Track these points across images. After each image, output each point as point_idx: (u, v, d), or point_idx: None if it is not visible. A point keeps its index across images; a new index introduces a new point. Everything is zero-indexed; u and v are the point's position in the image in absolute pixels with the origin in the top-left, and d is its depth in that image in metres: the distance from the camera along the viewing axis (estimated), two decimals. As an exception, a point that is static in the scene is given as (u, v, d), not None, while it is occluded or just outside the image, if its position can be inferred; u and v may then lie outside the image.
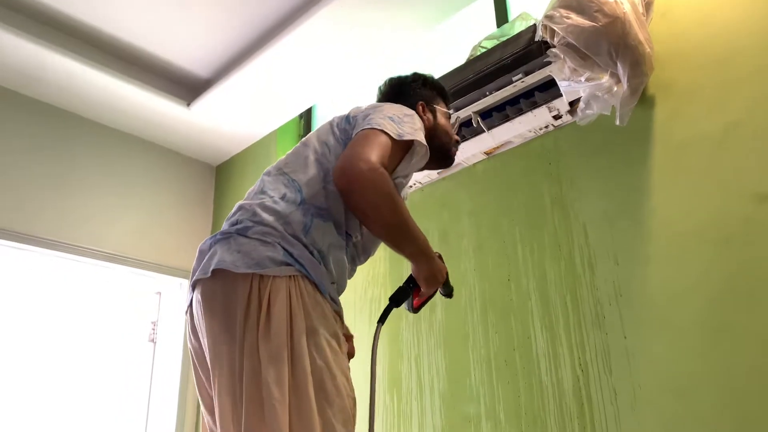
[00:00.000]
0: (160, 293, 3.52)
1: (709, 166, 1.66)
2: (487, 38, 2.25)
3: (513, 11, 2.42)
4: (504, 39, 2.16)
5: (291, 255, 1.12)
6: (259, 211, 1.18)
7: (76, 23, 2.70)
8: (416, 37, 2.64)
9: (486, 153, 2.27)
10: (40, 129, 3.02)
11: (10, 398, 2.84)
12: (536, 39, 1.89)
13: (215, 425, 1.08)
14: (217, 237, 1.19)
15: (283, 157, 1.36)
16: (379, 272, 2.49)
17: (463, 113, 2.11)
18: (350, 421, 1.06)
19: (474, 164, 2.31)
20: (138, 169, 3.38)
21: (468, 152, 2.25)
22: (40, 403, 2.92)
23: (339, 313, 1.19)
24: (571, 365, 1.79)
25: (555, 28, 1.80)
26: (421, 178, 2.42)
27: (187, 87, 3.17)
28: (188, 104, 3.15)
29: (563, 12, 1.80)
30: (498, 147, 2.23)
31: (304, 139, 1.39)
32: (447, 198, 2.37)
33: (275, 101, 3.10)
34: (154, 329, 3.44)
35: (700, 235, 1.63)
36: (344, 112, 1.41)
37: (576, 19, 1.76)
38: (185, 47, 2.89)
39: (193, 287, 1.18)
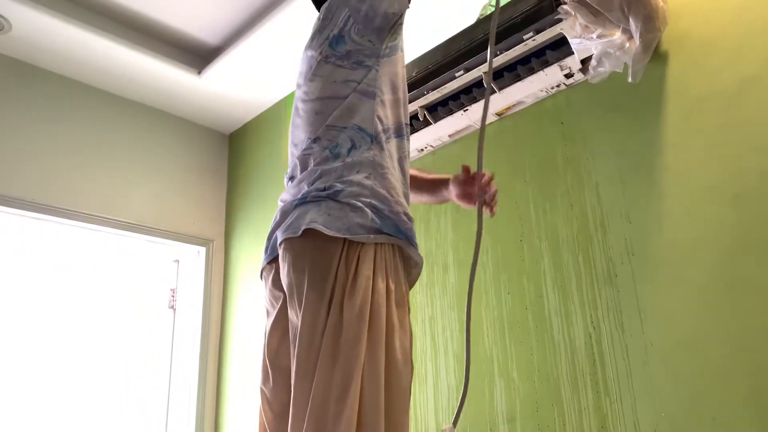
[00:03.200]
0: (178, 261, 3.58)
1: (725, 122, 1.64)
2: (497, -4, 2.20)
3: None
4: (514, -3, 2.12)
5: (380, 218, 1.17)
6: (345, 173, 1.20)
7: (84, -7, 2.69)
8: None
9: (497, 114, 2.25)
10: (54, 101, 3.05)
11: (30, 370, 2.93)
12: (547, -4, 1.86)
13: (278, 375, 1.18)
14: (304, 198, 1.20)
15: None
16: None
17: (474, 74, 2.09)
18: (407, 388, 1.13)
19: (486, 125, 2.29)
20: (152, 138, 3.41)
21: (479, 113, 2.24)
22: (61, 374, 3.02)
23: (418, 265, 1.25)
24: (583, 323, 1.80)
25: (566, -16, 1.76)
26: (432, 141, 2.41)
27: (198, 55, 3.16)
28: (199, 72, 3.15)
29: (574, -34, 1.76)
30: (509, 108, 2.21)
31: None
32: (459, 161, 2.34)
33: (285, 67, 3.08)
34: (173, 296, 3.51)
35: (714, 190, 1.62)
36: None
37: (587, -27, 1.73)
38: (194, 14, 2.88)
39: (280, 244, 1.21)
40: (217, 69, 3.10)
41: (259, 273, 1.33)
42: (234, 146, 3.73)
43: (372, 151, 1.22)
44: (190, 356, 3.30)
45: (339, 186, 1.18)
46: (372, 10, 1.26)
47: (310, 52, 1.34)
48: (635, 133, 1.83)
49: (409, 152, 1.35)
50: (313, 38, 1.35)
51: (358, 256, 1.13)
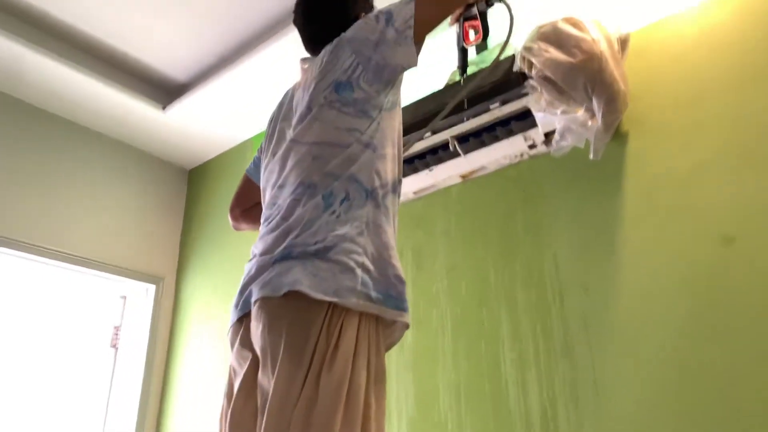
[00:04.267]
0: (125, 297, 3.45)
1: (679, 204, 1.71)
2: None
3: (493, 38, 2.44)
4: (483, 66, 2.19)
5: (371, 281, 1.11)
6: (337, 227, 1.14)
7: (53, 21, 2.63)
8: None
9: (462, 176, 2.29)
10: (9, 127, 2.94)
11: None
12: (515, 69, 1.92)
13: None
14: (288, 253, 1.13)
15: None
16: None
17: (441, 136, 2.13)
18: None
19: (450, 186, 2.33)
20: (109, 169, 3.32)
21: (444, 174, 2.27)
22: (-5, 409, 2.84)
23: (403, 328, 1.20)
24: (539, 395, 1.81)
25: (533, 61, 1.83)
26: (396, 197, 2.43)
27: (164, 90, 3.12)
28: (164, 107, 3.10)
29: (542, 45, 1.83)
30: (474, 171, 2.25)
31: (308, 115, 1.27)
32: (422, 217, 2.39)
33: (253, 109, 3.07)
34: (117, 334, 3.37)
35: (669, 271, 1.68)
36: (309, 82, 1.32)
37: (554, 53, 1.80)
38: (164, 50, 2.85)
39: (255, 302, 1.14)
40: (182, 105, 3.07)
41: (228, 329, 1.24)
42: (193, 182, 3.67)
43: (367, 207, 1.17)
44: (128, 400, 3.15)
45: (330, 241, 1.11)
46: (383, 60, 1.22)
47: (309, 94, 1.28)
48: (595, 207, 1.89)
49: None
50: (314, 79, 1.28)
51: (341, 324, 1.07)
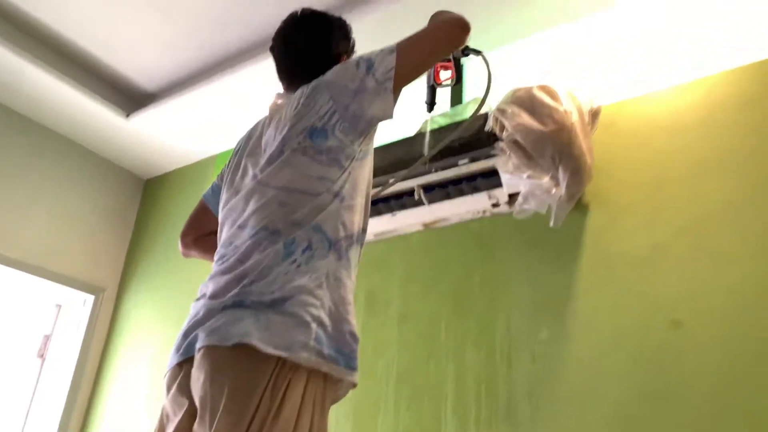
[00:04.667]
0: (60, 306, 3.29)
1: (633, 282, 1.74)
2: (441, 115, 2.29)
3: (468, 93, 2.48)
4: (456, 119, 2.20)
5: (324, 336, 1.07)
6: (295, 278, 1.09)
7: (22, 15, 2.54)
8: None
9: (424, 225, 2.28)
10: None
11: None
12: (486, 129, 1.94)
13: None
14: (241, 301, 1.08)
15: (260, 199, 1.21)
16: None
17: (407, 184, 2.13)
18: None
19: (411, 233, 2.32)
20: (62, 171, 3.19)
21: (407, 221, 2.27)
22: None
23: (350, 386, 1.15)
24: (476, 459, 1.79)
25: (505, 123, 1.86)
26: (355, 237, 2.40)
27: (130, 97, 3.04)
28: (127, 115, 3.01)
29: (515, 109, 1.86)
30: (436, 221, 2.25)
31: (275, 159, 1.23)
32: (380, 261, 2.36)
33: (218, 127, 3.02)
34: (46, 344, 3.20)
35: (618, 346, 1.69)
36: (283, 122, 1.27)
37: (526, 118, 1.83)
38: (135, 58, 2.78)
39: (200, 349, 1.08)
40: (147, 115, 2.99)
41: (166, 371, 1.17)
42: (148, 193, 3.56)
43: (329, 258, 1.14)
44: (50, 414, 2.98)
45: (287, 292, 1.07)
46: (360, 111, 1.20)
47: (281, 135, 1.23)
48: (550, 273, 1.90)
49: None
50: (288, 120, 1.24)
51: (288, 383, 1.02)
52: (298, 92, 1.28)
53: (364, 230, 1.28)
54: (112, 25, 2.57)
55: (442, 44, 1.28)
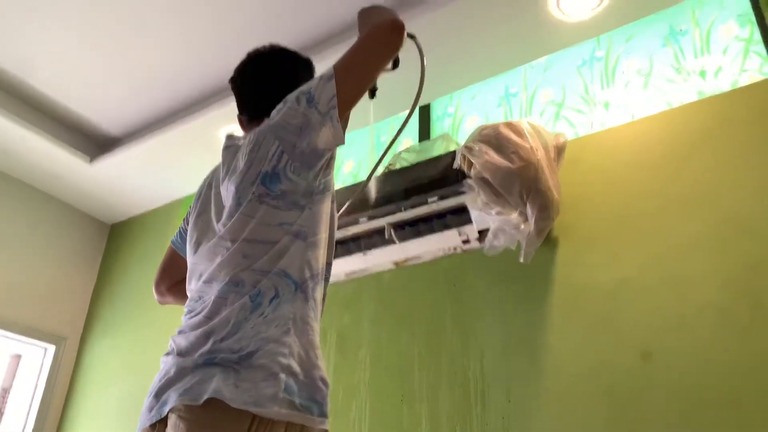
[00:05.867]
0: (19, 356, 3.16)
1: (602, 316, 1.74)
2: (408, 150, 2.30)
3: (435, 128, 2.51)
4: (424, 155, 2.22)
5: (295, 384, 1.04)
6: (263, 329, 1.06)
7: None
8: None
9: (395, 263, 2.27)
10: None
11: None
12: (454, 166, 1.95)
13: None
14: (212, 359, 1.04)
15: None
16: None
17: (378, 223, 2.12)
18: None
19: (382, 271, 2.30)
20: (22, 217, 3.10)
21: (378, 259, 2.25)
22: None
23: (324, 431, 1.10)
24: (453, 503, 1.74)
25: (473, 161, 1.87)
26: (326, 277, 2.37)
27: (94, 142, 2.99)
28: (91, 160, 2.96)
29: (482, 147, 1.88)
30: (407, 259, 2.24)
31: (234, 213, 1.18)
32: (351, 300, 2.33)
33: (185, 171, 2.99)
34: (4, 397, 3.05)
35: (589, 380, 1.68)
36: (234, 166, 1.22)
37: (493, 156, 1.85)
38: (99, 101, 2.75)
39: (172, 410, 1.03)
40: (111, 159, 2.94)
41: None
42: (114, 238, 3.48)
43: (296, 303, 1.11)
44: (7, 475, 2.82)
45: (254, 345, 1.04)
46: (309, 147, 1.14)
47: (235, 187, 1.18)
48: (522, 309, 1.90)
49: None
50: (240, 170, 1.19)
51: None
52: (246, 138, 1.23)
53: (329, 263, 1.24)
54: (76, 70, 2.55)
55: (381, 55, 1.19)
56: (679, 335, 1.61)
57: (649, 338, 1.65)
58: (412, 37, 1.30)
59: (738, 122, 1.78)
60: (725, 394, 1.49)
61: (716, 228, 1.68)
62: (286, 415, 1.01)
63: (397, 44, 1.20)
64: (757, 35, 1.88)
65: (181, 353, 1.10)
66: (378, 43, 1.19)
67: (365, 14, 1.34)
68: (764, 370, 1.47)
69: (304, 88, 1.18)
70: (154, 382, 1.13)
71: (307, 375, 1.07)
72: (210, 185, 1.35)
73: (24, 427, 2.92)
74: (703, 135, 1.82)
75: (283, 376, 1.03)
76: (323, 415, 1.07)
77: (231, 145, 1.29)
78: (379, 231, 2.16)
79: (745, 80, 1.84)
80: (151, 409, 1.09)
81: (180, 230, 1.43)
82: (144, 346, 2.84)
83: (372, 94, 1.29)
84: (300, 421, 1.03)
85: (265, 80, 1.35)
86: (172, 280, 1.43)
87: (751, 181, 1.68)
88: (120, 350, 2.98)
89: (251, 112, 1.34)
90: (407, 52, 1.28)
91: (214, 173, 1.37)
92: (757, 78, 1.82)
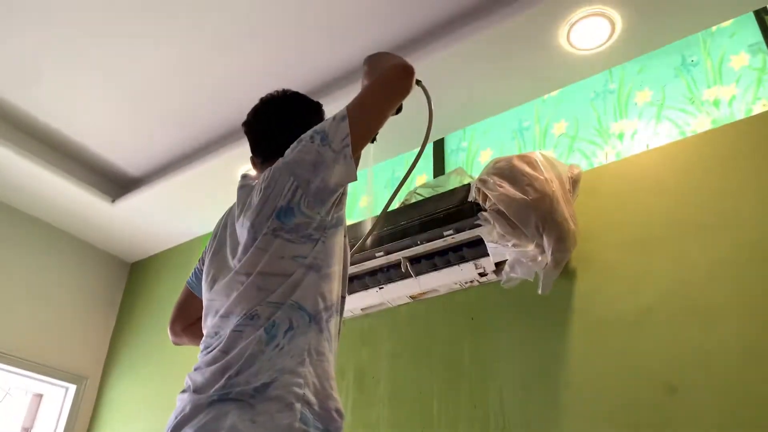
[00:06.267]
0: (41, 396, 3.17)
1: (624, 348, 1.71)
2: (423, 186, 2.32)
3: (450, 163, 2.53)
4: (439, 190, 2.23)
5: (311, 414, 1.05)
6: (278, 361, 1.07)
7: (2, 103, 2.59)
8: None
9: (411, 297, 2.26)
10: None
11: None
12: (469, 199, 1.96)
13: None
14: (227, 394, 1.05)
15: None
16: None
17: (394, 257, 2.13)
18: None
19: (399, 306, 2.30)
20: (44, 258, 3.16)
21: (394, 294, 2.24)
22: None
23: None
24: None
25: (488, 194, 1.88)
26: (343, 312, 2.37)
27: (115, 183, 3.07)
28: (113, 200, 3.03)
29: (497, 180, 1.89)
30: (424, 293, 2.23)
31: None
32: (368, 335, 2.32)
33: (204, 209, 3.03)
34: (25, 438, 3.06)
35: (612, 416, 1.64)
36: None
37: (508, 188, 1.85)
38: (118, 143, 2.83)
39: None
40: (133, 199, 3.01)
41: None
42: (134, 276, 3.52)
43: (310, 334, 1.12)
44: None
45: (268, 377, 1.05)
46: (323, 183, 1.18)
47: (250, 222, 1.21)
48: (541, 343, 1.87)
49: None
50: (255, 207, 1.22)
51: None
52: (261, 177, 1.27)
53: (343, 297, 1.26)
54: (96, 114, 2.63)
55: (393, 98, 1.25)
56: (705, 368, 1.57)
57: (674, 372, 1.61)
58: (418, 82, 1.35)
59: (753, 149, 1.77)
60: (752, 428, 1.45)
61: (737, 254, 1.65)
62: None
63: (407, 88, 1.25)
64: (770, 64, 1.88)
65: (196, 390, 1.10)
66: (389, 87, 1.24)
67: (374, 59, 1.39)
68: (794, 403, 1.43)
69: (318, 127, 1.22)
70: (169, 420, 1.13)
71: (321, 406, 1.07)
72: (225, 225, 1.38)
73: (44, 467, 2.92)
74: (718, 162, 1.81)
75: (298, 406, 1.04)
76: None
77: (245, 185, 1.33)
78: (395, 265, 2.17)
79: (759, 108, 1.84)
80: None
81: (195, 270, 1.46)
82: (164, 384, 2.84)
83: (372, 140, 1.34)
84: None
85: (278, 123, 1.39)
86: (187, 320, 1.45)
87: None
88: (141, 389, 2.99)
89: (265, 154, 1.38)
90: (414, 96, 1.32)
91: (229, 213, 1.41)
92: (772, 105, 1.82)
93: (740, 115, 1.86)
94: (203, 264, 1.41)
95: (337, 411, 1.10)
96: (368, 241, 2.09)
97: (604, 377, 1.70)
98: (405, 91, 1.26)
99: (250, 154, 1.41)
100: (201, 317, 1.39)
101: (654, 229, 1.83)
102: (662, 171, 1.91)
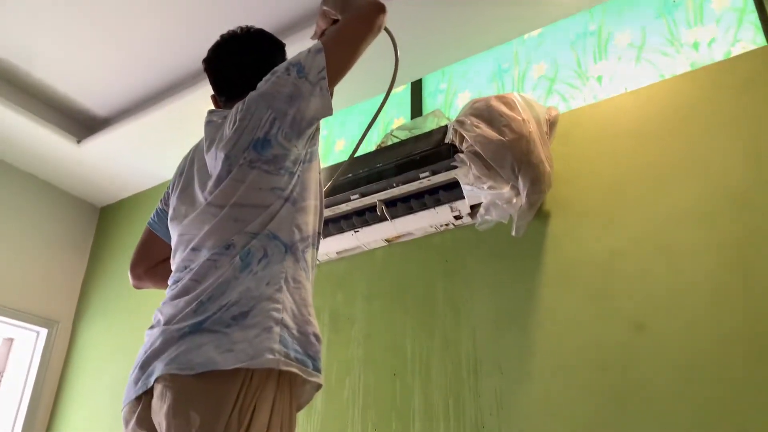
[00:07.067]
0: (11, 340, 3.14)
1: (595, 289, 1.73)
2: (400, 128, 2.28)
3: (428, 105, 2.48)
4: (416, 132, 2.20)
5: (290, 338, 1.06)
6: (253, 286, 1.08)
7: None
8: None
9: (387, 240, 2.26)
10: None
11: None
12: (446, 141, 1.94)
13: None
14: (200, 324, 1.04)
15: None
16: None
17: (369, 200, 2.11)
18: None
19: (374, 249, 2.29)
20: (10, 201, 3.07)
21: (370, 237, 2.24)
22: None
23: (315, 389, 1.14)
24: (447, 476, 1.75)
25: (464, 135, 1.85)
26: (319, 255, 2.36)
27: (81, 123, 2.95)
28: (79, 141, 2.92)
29: (474, 120, 1.86)
30: (399, 236, 2.22)
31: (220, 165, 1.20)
32: (344, 279, 2.32)
33: (173, 151, 2.93)
34: (-3, 381, 3.04)
35: (581, 355, 1.68)
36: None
37: (485, 129, 1.83)
38: (85, 83, 2.71)
39: (158, 379, 1.03)
40: (99, 140, 2.91)
41: (123, 406, 1.11)
42: (104, 221, 3.45)
43: (286, 263, 1.13)
44: (2, 457, 2.82)
45: (247, 304, 1.05)
46: (299, 114, 1.18)
47: (225, 154, 1.19)
48: (514, 284, 1.89)
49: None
50: (229, 139, 1.20)
51: (255, 402, 0.99)
52: (234, 109, 1.25)
53: (319, 233, 1.26)
54: (61, 50, 2.51)
55: (368, 35, 1.26)
56: (673, 307, 1.61)
57: (643, 311, 1.64)
58: (386, 29, 1.36)
59: (729, 92, 1.76)
60: (718, 366, 1.49)
61: (709, 198, 1.67)
62: (283, 363, 1.03)
63: (380, 27, 1.28)
64: (751, 5, 1.86)
65: (167, 322, 1.09)
66: (366, 23, 1.25)
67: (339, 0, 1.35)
68: (757, 342, 1.47)
69: (293, 59, 1.22)
70: (138, 355, 1.12)
71: (300, 330, 1.09)
72: (192, 161, 1.35)
73: (18, 410, 2.91)
74: (695, 105, 1.81)
75: (277, 329, 1.05)
76: (317, 369, 1.11)
77: (213, 120, 1.30)
78: (371, 208, 2.15)
79: (738, 50, 1.82)
80: (137, 382, 1.09)
81: (157, 211, 1.42)
82: (137, 327, 2.83)
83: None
84: (295, 370, 1.05)
85: (244, 61, 1.36)
86: (150, 262, 1.42)
87: (742, 150, 1.67)
88: (113, 332, 2.97)
89: (230, 92, 1.35)
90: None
91: (196, 149, 1.38)
92: (750, 47, 1.80)
93: (719, 58, 1.85)
94: (165, 204, 1.38)
95: (315, 335, 1.12)
96: (340, 183, 2.07)
97: (575, 317, 1.73)
98: (378, 29, 1.27)
99: (212, 92, 1.39)
100: (163, 260, 1.37)
101: (627, 172, 1.83)
102: (639, 114, 1.90)
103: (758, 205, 1.59)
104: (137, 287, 1.44)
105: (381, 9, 1.27)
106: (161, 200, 1.40)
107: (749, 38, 1.82)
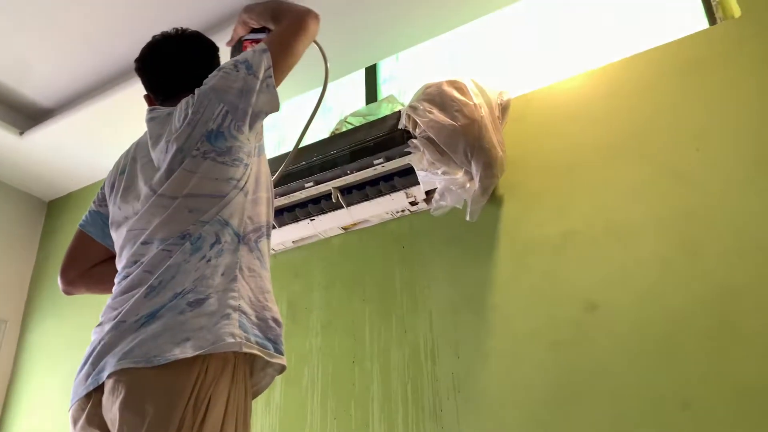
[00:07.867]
0: (-44, 342, 3.01)
1: (548, 270, 1.76)
2: (354, 114, 2.26)
3: (382, 91, 2.47)
4: (370, 118, 2.19)
5: (249, 324, 1.06)
6: (208, 273, 1.07)
7: None
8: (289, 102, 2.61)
9: (343, 228, 2.24)
10: None
11: None
12: (400, 126, 1.93)
13: None
14: (153, 314, 1.02)
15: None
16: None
17: (324, 187, 2.09)
18: None
19: (330, 237, 2.28)
20: (-52, 197, 2.93)
21: (325, 225, 2.22)
22: None
23: (278, 371, 1.14)
24: (406, 461, 1.76)
25: (417, 120, 1.85)
26: (275, 245, 2.33)
27: (24, 114, 2.83)
28: (21, 133, 2.81)
29: (426, 106, 1.86)
30: (355, 224, 2.21)
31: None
32: (301, 268, 2.30)
33: (122, 142, 2.85)
34: (-58, 385, 2.91)
35: (535, 335, 1.71)
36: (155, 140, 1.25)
37: (437, 115, 1.83)
38: (26, 72, 2.59)
39: (110, 375, 0.99)
40: (44, 132, 2.79)
41: (71, 405, 1.08)
42: (52, 216, 3.33)
43: (240, 253, 1.13)
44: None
45: (202, 293, 1.05)
46: (250, 108, 1.21)
47: (174, 146, 1.18)
48: (469, 268, 1.90)
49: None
50: (180, 132, 1.19)
51: (210, 395, 0.98)
52: (182, 103, 1.25)
53: (272, 224, 1.28)
54: (1, 38, 2.39)
55: (306, 40, 1.35)
56: (623, 285, 1.65)
57: (594, 290, 1.68)
58: (315, 41, 1.44)
59: (674, 74, 1.81)
60: (666, 341, 1.54)
61: (655, 177, 1.71)
62: (246, 345, 1.04)
63: (315, 33, 1.38)
64: (693, -10, 1.90)
65: (119, 316, 1.06)
66: (302, 29, 1.34)
67: (270, 5, 1.41)
68: (702, 316, 1.52)
69: (239, 58, 1.26)
70: (86, 352, 1.09)
71: (258, 316, 1.10)
72: (134, 159, 1.32)
73: (-36, 414, 2.80)
74: (641, 88, 1.84)
75: (236, 315, 1.06)
76: (279, 351, 1.12)
77: (157, 116, 1.29)
78: (326, 196, 2.13)
79: (682, 33, 1.87)
80: (87, 378, 1.06)
81: (90, 212, 1.39)
82: (88, 325, 2.73)
83: None
84: (256, 352, 1.06)
85: (182, 62, 1.38)
86: (83, 266, 1.38)
87: (685, 130, 1.72)
88: (64, 330, 2.88)
89: (168, 91, 1.36)
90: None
91: (137, 147, 1.35)
92: (694, 30, 1.85)
93: (665, 41, 1.89)
94: (100, 205, 1.36)
95: (275, 320, 1.13)
96: (294, 170, 2.05)
97: (529, 298, 1.76)
98: (313, 36, 1.37)
99: (145, 92, 1.40)
100: (97, 263, 1.34)
101: (578, 154, 1.87)
102: (587, 97, 1.93)
103: (702, 183, 1.64)
104: (68, 293, 1.39)
105: (316, 17, 1.36)
106: (94, 201, 1.37)
107: (694, 21, 1.87)
